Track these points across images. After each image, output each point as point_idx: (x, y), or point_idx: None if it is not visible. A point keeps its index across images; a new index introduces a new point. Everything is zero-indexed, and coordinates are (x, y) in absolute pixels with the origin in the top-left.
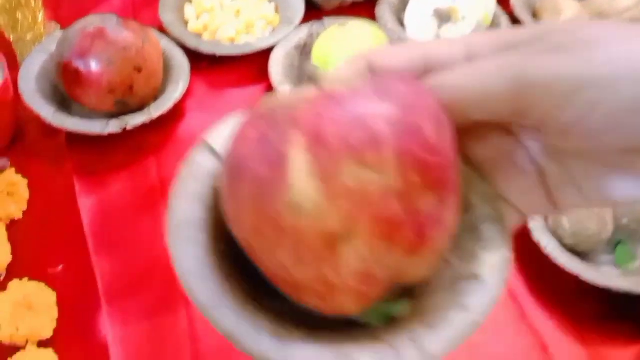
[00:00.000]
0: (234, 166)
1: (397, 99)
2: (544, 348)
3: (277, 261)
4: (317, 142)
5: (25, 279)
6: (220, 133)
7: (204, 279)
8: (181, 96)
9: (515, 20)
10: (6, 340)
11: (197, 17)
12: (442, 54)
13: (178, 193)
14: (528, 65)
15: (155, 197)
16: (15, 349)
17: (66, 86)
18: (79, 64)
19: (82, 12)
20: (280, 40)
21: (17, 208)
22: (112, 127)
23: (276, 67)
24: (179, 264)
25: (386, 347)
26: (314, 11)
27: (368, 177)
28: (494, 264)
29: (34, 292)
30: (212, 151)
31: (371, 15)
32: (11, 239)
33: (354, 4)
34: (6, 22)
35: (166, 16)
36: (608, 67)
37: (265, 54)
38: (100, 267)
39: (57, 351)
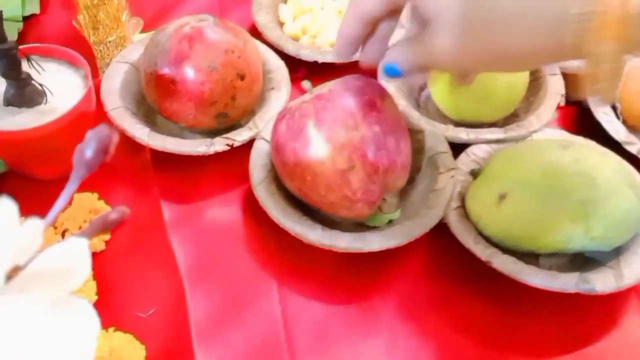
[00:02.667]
0: (278, 146)
1: (356, 88)
2: None
3: (317, 194)
4: (319, 122)
5: (112, 329)
6: (267, 129)
7: (278, 206)
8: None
9: None
10: None
11: (294, 19)
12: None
13: (253, 164)
14: None
15: (251, 224)
16: None
17: (159, 101)
18: (175, 73)
19: (166, 12)
20: (391, 45)
21: (100, 239)
22: (218, 145)
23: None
24: (262, 200)
25: (387, 233)
26: None
27: (352, 134)
28: (446, 179)
29: (122, 345)
30: (265, 140)
31: None
32: (95, 274)
33: None
34: (86, 23)
35: (260, 17)
36: None
37: None
38: (194, 311)
39: None
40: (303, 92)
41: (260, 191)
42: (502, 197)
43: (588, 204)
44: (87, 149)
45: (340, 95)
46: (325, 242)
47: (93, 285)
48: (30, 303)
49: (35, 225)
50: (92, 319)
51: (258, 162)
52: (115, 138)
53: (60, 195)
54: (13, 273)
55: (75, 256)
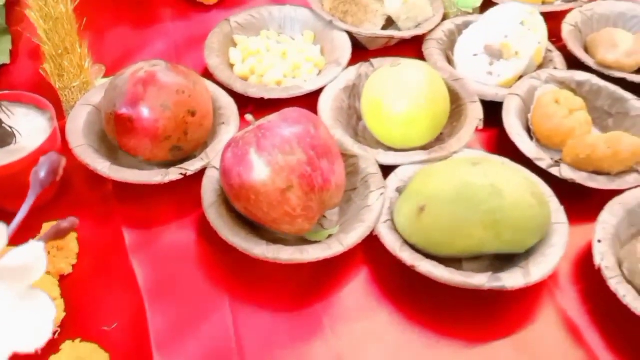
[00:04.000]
0: (226, 171)
1: (292, 119)
2: None
3: (261, 211)
4: (260, 148)
5: (78, 340)
6: (218, 159)
7: (227, 226)
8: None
9: (567, 55)
10: None
11: (243, 61)
12: None
13: (204, 190)
14: None
15: (205, 245)
16: None
17: (118, 137)
18: (132, 113)
19: (126, 58)
20: (329, 82)
21: (67, 263)
22: (172, 175)
23: (325, 109)
24: (213, 221)
25: (324, 245)
26: (359, 51)
27: (289, 158)
28: (376, 196)
29: (88, 354)
30: (216, 168)
31: (417, 54)
32: (63, 294)
33: (399, 43)
34: (52, 70)
35: (212, 60)
36: None
37: (313, 96)
38: (154, 324)
39: None
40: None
41: (211, 213)
42: (421, 209)
43: (497, 212)
44: (41, 171)
45: (278, 125)
46: (269, 255)
47: (61, 303)
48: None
49: (1, 230)
50: (50, 307)
51: (209, 188)
52: (63, 162)
53: (20, 209)
54: None
55: (34, 257)
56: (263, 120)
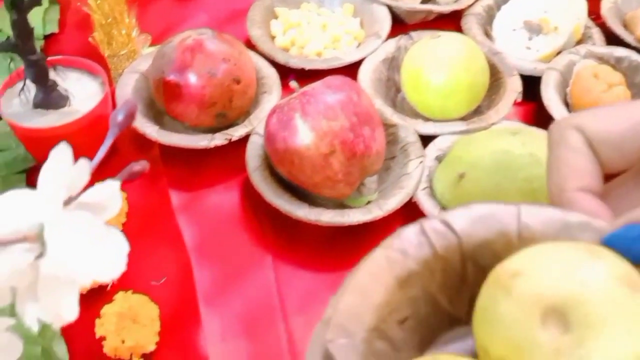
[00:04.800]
0: (270, 135)
1: (335, 86)
2: None
3: (304, 175)
4: (305, 114)
5: (130, 292)
6: (261, 126)
7: (270, 189)
8: None
9: (606, 32)
10: (111, 353)
11: (284, 33)
12: None
13: (249, 154)
14: None
15: (248, 207)
16: None
17: (166, 103)
18: (180, 79)
19: (170, 29)
20: (368, 54)
21: (116, 221)
22: (218, 140)
23: (365, 80)
24: (257, 184)
25: (364, 210)
26: (398, 25)
27: (332, 124)
28: (415, 164)
29: (139, 304)
30: (259, 134)
31: (456, 28)
32: None
33: (438, 17)
34: (102, 38)
35: (254, 31)
36: None
37: (353, 68)
38: (200, 280)
39: None
40: (292, 92)
41: (255, 177)
42: (461, 176)
43: (534, 180)
44: (119, 114)
45: (322, 92)
46: (311, 217)
47: None
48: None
49: (84, 165)
50: (123, 243)
51: (253, 153)
52: (138, 108)
53: (100, 148)
54: (68, 202)
55: (110, 195)
56: (307, 88)
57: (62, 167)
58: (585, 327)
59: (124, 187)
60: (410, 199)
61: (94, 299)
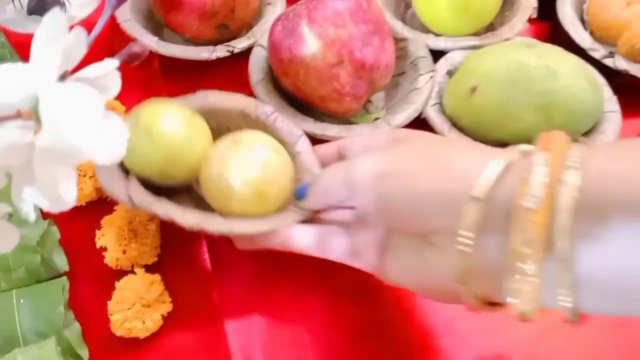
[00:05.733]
0: (275, 44)
1: None
2: None
3: (310, 87)
4: (312, 21)
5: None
6: (264, 38)
7: (275, 102)
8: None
9: None
10: (112, 264)
11: None
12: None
13: (252, 66)
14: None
15: None
16: (121, 272)
17: (165, 13)
18: None
19: None
20: None
21: None
22: (220, 51)
23: None
24: (260, 97)
25: (372, 125)
26: None
27: (341, 31)
28: (425, 79)
29: (138, 217)
30: (262, 47)
31: None
32: None
33: None
34: None
35: None
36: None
37: None
38: None
39: (162, 277)
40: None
41: (259, 89)
42: (473, 90)
43: (549, 95)
44: None
45: None
46: (317, 131)
47: None
48: (83, 90)
49: (80, 34)
50: (122, 127)
51: (256, 65)
52: None
53: (97, 21)
54: (63, 77)
55: (109, 75)
56: None
57: (56, 34)
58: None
59: (123, 100)
60: (420, 115)
61: (94, 209)
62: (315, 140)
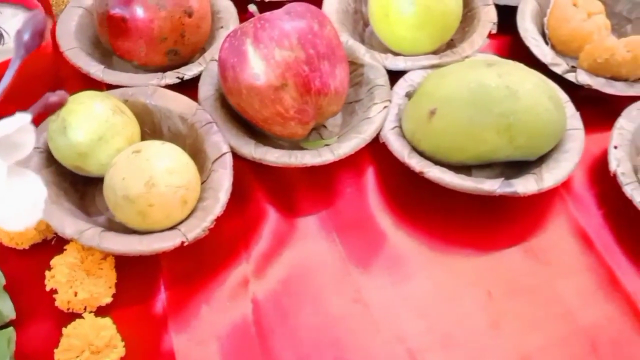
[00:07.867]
0: (221, 62)
1: (297, 13)
2: (637, 314)
3: (252, 108)
4: (257, 41)
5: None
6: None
7: (219, 121)
8: None
9: None
10: (63, 307)
11: None
12: None
13: (202, 82)
14: None
15: None
16: (72, 316)
17: (112, 40)
18: (125, 12)
19: None
20: None
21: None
22: (169, 78)
23: (330, 12)
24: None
25: (315, 152)
26: None
27: (286, 54)
28: (379, 109)
29: (91, 255)
30: (216, 60)
31: None
32: None
33: None
34: None
35: None
36: None
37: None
38: None
39: (115, 320)
40: None
41: (205, 105)
42: (432, 112)
43: (511, 115)
44: (25, 33)
45: (280, 17)
46: (256, 155)
47: None
48: None
49: None
50: (40, 187)
51: (207, 81)
52: (49, 24)
53: (5, 73)
54: None
55: (22, 130)
56: (266, 13)
57: None
58: None
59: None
60: (378, 139)
61: (39, 251)
62: (256, 164)
